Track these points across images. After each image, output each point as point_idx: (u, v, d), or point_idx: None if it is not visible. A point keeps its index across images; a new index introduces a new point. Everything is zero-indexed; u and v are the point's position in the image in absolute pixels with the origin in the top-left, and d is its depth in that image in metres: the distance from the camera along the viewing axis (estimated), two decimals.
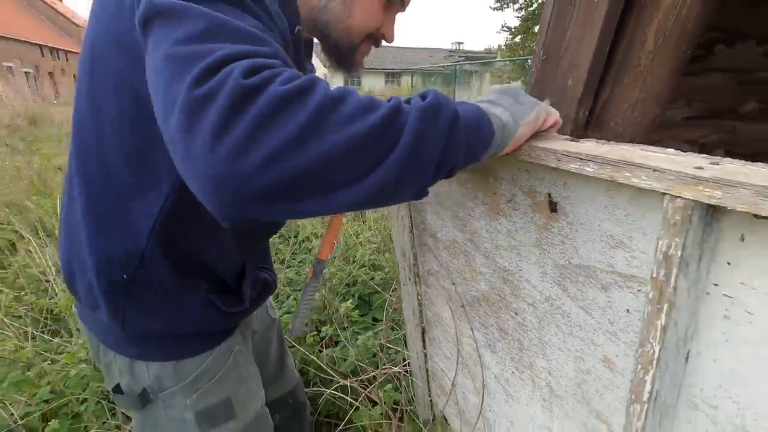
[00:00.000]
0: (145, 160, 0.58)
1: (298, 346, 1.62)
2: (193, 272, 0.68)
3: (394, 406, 1.40)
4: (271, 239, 1.07)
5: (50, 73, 35.34)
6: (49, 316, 1.96)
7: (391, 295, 1.98)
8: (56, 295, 2.05)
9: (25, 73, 29.47)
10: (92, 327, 0.74)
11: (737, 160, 0.43)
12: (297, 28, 0.63)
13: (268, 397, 0.95)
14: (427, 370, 1.31)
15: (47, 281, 2.19)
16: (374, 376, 1.47)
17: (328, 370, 1.53)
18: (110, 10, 0.53)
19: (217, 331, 0.76)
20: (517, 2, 20.01)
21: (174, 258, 0.64)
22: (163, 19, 0.41)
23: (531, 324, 0.77)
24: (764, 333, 0.43)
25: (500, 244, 0.79)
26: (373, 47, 0.76)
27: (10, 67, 28.30)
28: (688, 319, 0.48)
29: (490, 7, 20.56)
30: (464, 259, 0.92)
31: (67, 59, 39.67)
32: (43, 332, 1.79)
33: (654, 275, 0.47)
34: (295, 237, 2.80)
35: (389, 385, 1.45)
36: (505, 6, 20.18)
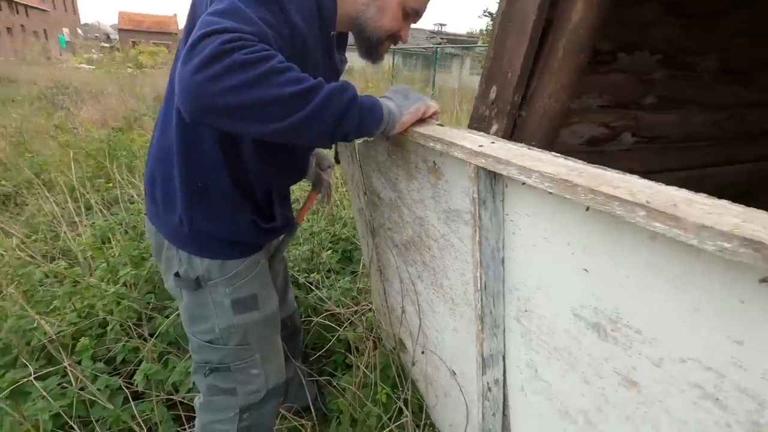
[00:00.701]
0: None
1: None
2: (242, 193, 0.95)
3: (368, 334, 1.76)
4: None
5: (8, 29, 33.79)
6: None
7: None
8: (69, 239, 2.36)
9: None
10: (161, 228, 0.98)
11: (504, 141, 0.73)
12: (332, 33, 0.92)
13: None
14: (387, 305, 1.65)
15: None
16: (356, 310, 1.82)
17: (316, 306, 1.88)
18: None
19: (253, 244, 1.04)
20: None
21: (235, 178, 0.92)
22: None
23: (437, 254, 1.09)
24: (528, 241, 0.74)
25: (414, 198, 1.09)
26: (391, 44, 1.04)
27: None
28: (497, 236, 0.79)
29: None
30: (397, 213, 1.22)
31: (27, 14, 37.28)
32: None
33: (471, 210, 0.77)
34: None
35: (370, 314, 1.80)
36: None
